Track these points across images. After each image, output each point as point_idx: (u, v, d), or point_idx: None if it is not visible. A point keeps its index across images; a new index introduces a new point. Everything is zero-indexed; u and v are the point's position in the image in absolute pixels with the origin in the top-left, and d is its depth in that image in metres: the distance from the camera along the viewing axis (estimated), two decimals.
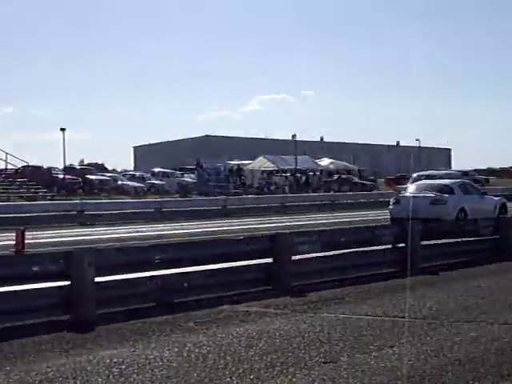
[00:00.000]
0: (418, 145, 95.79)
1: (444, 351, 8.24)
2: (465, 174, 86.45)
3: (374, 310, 10.85)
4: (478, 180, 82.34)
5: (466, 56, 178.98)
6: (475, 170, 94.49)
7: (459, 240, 16.66)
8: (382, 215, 31.67)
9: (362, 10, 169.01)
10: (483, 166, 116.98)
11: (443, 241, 16.27)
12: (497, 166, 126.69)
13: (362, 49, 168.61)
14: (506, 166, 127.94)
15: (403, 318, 10.16)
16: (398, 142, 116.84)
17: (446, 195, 26.41)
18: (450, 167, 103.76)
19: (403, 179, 58.81)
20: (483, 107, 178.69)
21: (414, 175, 35.45)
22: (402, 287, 12.83)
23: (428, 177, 34.58)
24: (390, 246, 15.42)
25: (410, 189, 28.60)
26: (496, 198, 29.46)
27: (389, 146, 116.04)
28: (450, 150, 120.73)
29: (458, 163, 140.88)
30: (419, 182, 29.97)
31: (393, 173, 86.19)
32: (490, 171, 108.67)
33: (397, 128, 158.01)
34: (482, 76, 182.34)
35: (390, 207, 26.81)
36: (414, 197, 25.87)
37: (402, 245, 15.32)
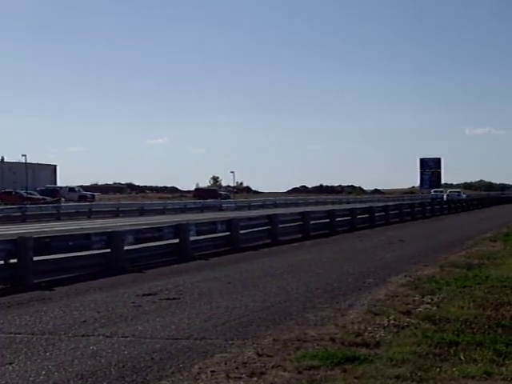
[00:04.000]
0: (24, 160, 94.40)
1: (65, 366, 8.16)
2: (71, 189, 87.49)
3: None
4: (84, 196, 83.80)
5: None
6: (81, 186, 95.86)
7: (72, 255, 16.61)
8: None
9: None
10: (88, 183, 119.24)
11: (57, 256, 16.14)
12: (102, 182, 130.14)
13: None
14: (109, 182, 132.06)
15: (20, 334, 9.91)
16: (2, 158, 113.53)
17: (461, 193, 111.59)
18: (55, 183, 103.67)
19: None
20: (86, 125, 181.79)
21: (448, 191, 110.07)
22: (17, 303, 12.55)
23: (452, 190, 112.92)
24: (2, 262, 14.95)
25: (449, 193, 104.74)
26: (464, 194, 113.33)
27: None
28: (55, 166, 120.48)
29: (64, 179, 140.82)
30: (451, 190, 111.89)
31: None
32: (95, 187, 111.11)
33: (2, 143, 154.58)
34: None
35: (445, 197, 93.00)
36: (452, 194, 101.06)
37: (14, 261, 15.00)
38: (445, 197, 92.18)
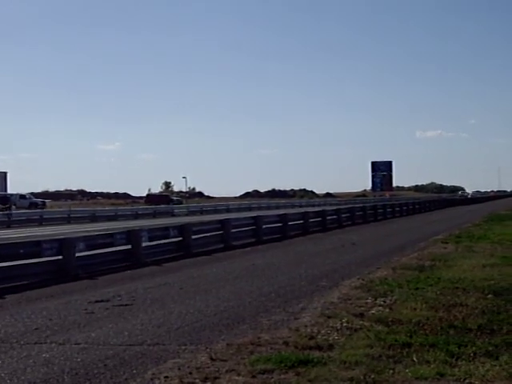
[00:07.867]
0: None
1: (18, 374, 8.06)
2: (22, 196, 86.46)
3: None
4: (35, 203, 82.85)
5: None
6: (32, 193, 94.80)
7: (23, 263, 16.42)
8: None
9: None
10: (39, 190, 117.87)
11: (8, 263, 15.93)
12: (53, 188, 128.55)
13: None
14: (61, 189, 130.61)
15: None
16: None
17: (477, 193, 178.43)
18: (6, 190, 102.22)
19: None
20: (37, 131, 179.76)
21: (472, 191, 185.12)
22: None
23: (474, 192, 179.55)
24: None
25: (472, 194, 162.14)
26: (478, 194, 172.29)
27: None
28: (6, 173, 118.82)
29: (15, 186, 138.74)
30: (473, 191, 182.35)
31: None
32: (46, 194, 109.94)
33: None
34: None
35: (469, 196, 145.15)
36: (475, 194, 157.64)
37: None
38: (469, 195, 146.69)
